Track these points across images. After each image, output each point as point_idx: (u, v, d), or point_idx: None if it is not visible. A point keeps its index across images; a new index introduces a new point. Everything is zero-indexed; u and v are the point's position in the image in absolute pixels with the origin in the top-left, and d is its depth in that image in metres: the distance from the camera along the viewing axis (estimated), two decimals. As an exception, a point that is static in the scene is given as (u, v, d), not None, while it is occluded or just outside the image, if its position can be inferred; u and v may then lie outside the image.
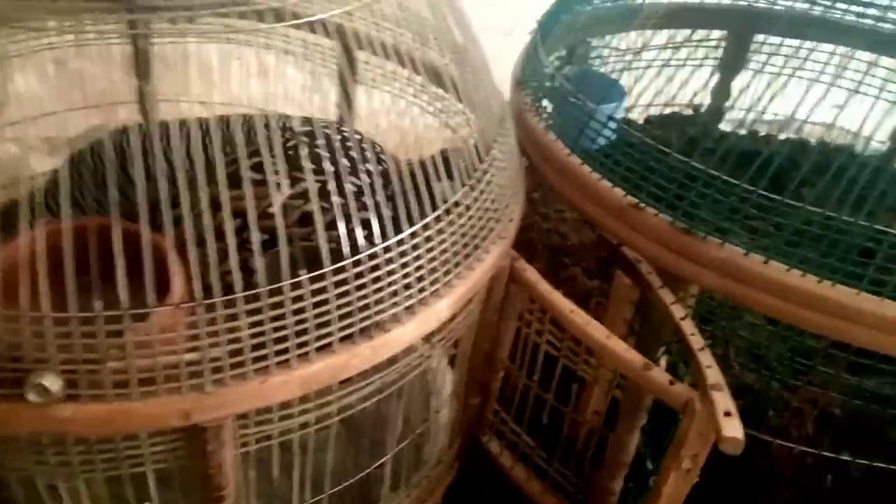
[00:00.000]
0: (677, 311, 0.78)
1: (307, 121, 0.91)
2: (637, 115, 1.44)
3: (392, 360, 0.72)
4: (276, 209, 0.59)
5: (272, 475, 0.73)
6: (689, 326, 0.77)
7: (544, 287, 0.84)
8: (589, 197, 0.88)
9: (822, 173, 0.80)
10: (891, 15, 1.00)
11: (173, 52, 1.30)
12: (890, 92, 1.23)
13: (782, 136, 1.48)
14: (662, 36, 1.33)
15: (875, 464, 0.92)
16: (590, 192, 0.87)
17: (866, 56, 1.10)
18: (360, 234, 0.65)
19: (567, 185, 0.91)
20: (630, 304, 0.88)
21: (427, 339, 0.76)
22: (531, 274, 0.85)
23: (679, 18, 1.27)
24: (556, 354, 0.87)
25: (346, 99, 1.11)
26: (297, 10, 0.70)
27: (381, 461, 0.83)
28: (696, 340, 0.75)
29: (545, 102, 0.99)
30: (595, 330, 0.79)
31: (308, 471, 0.75)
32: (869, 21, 1.08)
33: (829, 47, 1.13)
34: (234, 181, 0.60)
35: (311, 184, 0.61)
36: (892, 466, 0.92)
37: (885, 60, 1.13)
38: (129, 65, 1.24)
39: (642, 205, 0.82)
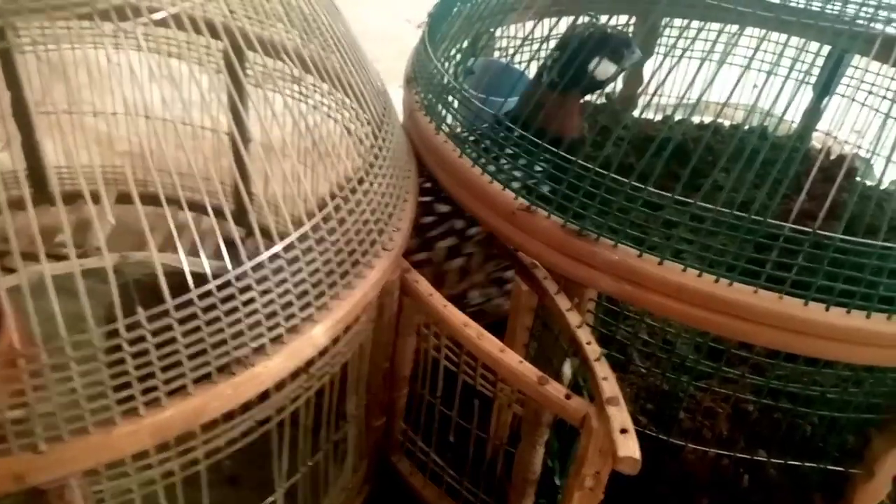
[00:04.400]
0: (573, 319, 0.74)
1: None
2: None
3: (264, 396, 0.66)
4: (101, 243, 0.52)
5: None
6: (584, 335, 0.72)
7: (437, 300, 0.79)
8: (481, 200, 0.83)
9: (737, 158, 0.76)
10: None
11: (59, 60, 1.21)
12: (798, 71, 1.21)
13: (696, 120, 1.47)
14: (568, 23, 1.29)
15: (790, 462, 0.89)
16: (481, 196, 0.82)
17: (777, 37, 1.07)
18: (206, 262, 0.59)
19: (458, 189, 0.86)
20: (530, 310, 0.83)
21: (305, 368, 0.70)
22: (423, 286, 0.80)
23: (585, 4, 1.23)
24: (455, 370, 0.81)
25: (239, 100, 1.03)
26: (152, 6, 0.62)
27: (270, 498, 0.77)
28: (593, 350, 0.71)
29: (436, 100, 0.93)
30: (488, 343, 0.74)
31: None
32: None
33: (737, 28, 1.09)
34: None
35: (140, 210, 0.55)
36: (808, 463, 0.89)
37: (794, 40, 1.11)
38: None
39: (534, 207, 0.77)
